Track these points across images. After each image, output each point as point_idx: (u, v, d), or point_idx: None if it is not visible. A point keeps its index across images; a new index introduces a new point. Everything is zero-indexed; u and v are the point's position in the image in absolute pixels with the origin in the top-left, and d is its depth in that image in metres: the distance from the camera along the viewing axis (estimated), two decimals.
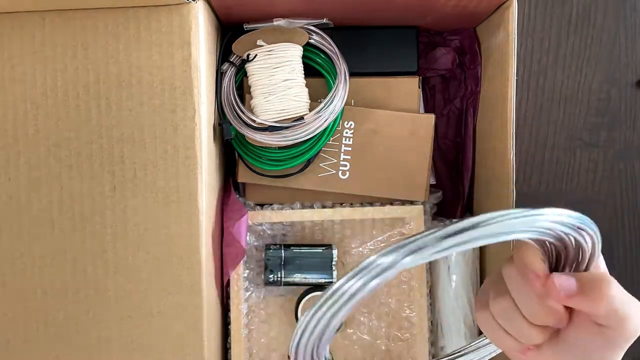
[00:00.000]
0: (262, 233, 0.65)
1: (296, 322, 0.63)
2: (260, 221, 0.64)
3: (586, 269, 0.37)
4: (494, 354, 0.44)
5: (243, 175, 0.65)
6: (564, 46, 0.72)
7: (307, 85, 0.61)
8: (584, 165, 0.73)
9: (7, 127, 0.50)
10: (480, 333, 0.45)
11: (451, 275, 0.64)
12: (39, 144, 0.50)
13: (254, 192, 0.66)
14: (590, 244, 0.35)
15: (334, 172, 0.64)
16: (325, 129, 0.61)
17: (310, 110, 0.61)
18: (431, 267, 0.66)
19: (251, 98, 0.61)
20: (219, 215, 0.59)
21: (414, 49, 0.66)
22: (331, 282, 0.63)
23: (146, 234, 0.51)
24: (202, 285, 0.51)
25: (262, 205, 0.65)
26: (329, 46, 0.62)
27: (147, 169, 0.50)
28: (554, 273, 0.36)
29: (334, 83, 0.62)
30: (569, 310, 0.37)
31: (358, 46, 0.65)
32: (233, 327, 0.62)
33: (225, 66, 0.61)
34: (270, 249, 0.63)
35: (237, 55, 0.61)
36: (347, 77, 0.62)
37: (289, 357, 0.35)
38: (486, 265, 0.66)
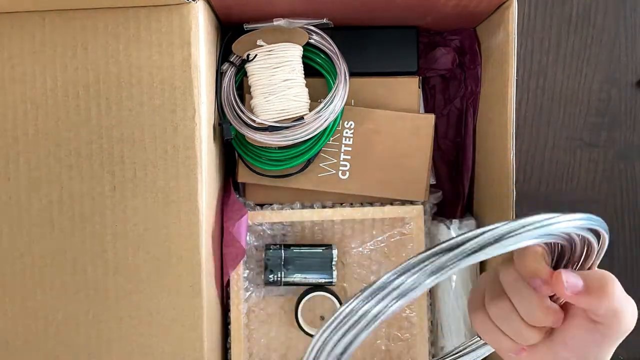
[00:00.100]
0: (262, 233, 0.65)
1: (296, 322, 0.63)
2: (260, 221, 0.64)
3: (590, 267, 0.37)
4: (487, 354, 0.44)
5: (243, 175, 0.65)
6: (564, 46, 0.72)
7: (307, 85, 0.61)
8: (584, 165, 0.73)
9: (7, 127, 0.50)
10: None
11: (451, 275, 0.64)
12: (39, 144, 0.50)
13: (254, 192, 0.66)
14: (598, 244, 0.35)
15: (334, 172, 0.64)
16: (325, 129, 0.61)
17: (310, 110, 0.61)
18: None
19: (251, 98, 0.61)
20: (219, 215, 0.59)
21: (414, 49, 0.66)
22: (331, 282, 0.63)
23: (146, 234, 0.51)
24: (202, 285, 0.51)
25: (262, 205, 0.65)
26: (329, 46, 0.62)
27: (147, 169, 0.50)
28: (561, 270, 0.36)
29: (334, 83, 0.62)
30: (563, 308, 0.38)
31: (358, 46, 0.65)
32: (233, 327, 0.62)
33: (225, 66, 0.61)
34: (270, 249, 0.63)
35: (237, 55, 0.61)
36: (347, 77, 0.62)
37: None
38: (485, 265, 0.66)
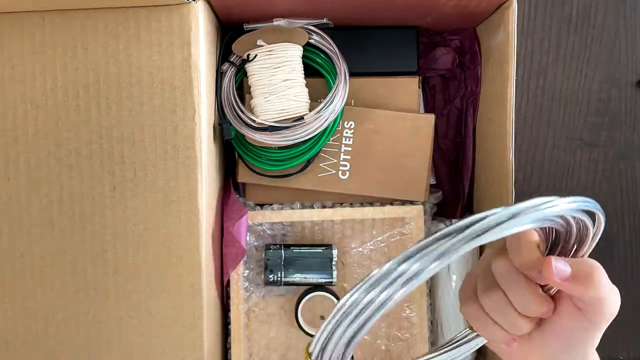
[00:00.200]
0: (262, 233, 0.65)
1: (296, 322, 0.63)
2: (260, 221, 0.64)
3: (583, 255, 0.37)
4: (479, 346, 0.44)
5: (243, 175, 0.65)
6: (564, 46, 0.72)
7: (307, 85, 0.61)
8: (584, 165, 0.73)
9: (7, 127, 0.51)
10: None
11: (451, 275, 0.64)
12: (39, 144, 0.50)
13: (254, 192, 0.66)
14: (594, 227, 0.36)
15: (334, 172, 0.64)
16: (325, 129, 0.61)
17: (310, 110, 0.61)
18: None
19: (251, 98, 0.61)
20: (219, 215, 0.59)
21: (414, 49, 0.66)
22: (331, 282, 0.63)
23: (146, 234, 0.51)
24: (202, 285, 0.51)
25: (262, 205, 0.65)
26: (329, 46, 0.62)
27: (147, 169, 0.50)
28: (551, 256, 0.36)
29: (334, 83, 0.62)
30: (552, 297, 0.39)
31: (358, 46, 0.65)
32: (233, 327, 0.62)
33: (225, 66, 0.61)
34: (270, 249, 0.63)
35: (237, 55, 0.61)
36: (347, 77, 0.62)
37: (308, 354, 0.34)
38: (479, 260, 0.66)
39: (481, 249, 0.66)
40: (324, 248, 0.63)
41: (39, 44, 0.50)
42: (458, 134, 0.70)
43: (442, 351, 0.44)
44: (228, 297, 0.62)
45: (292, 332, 0.65)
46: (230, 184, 0.65)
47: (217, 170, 0.60)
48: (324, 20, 0.61)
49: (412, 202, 0.65)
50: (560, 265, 0.36)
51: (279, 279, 0.62)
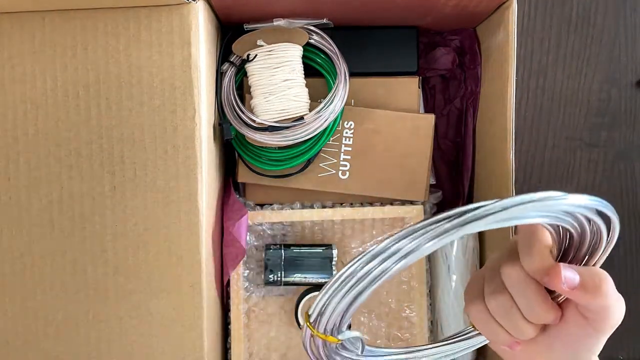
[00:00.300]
0: (262, 233, 0.65)
1: (296, 322, 0.63)
2: (260, 221, 0.64)
3: (596, 263, 0.37)
4: (481, 344, 0.44)
5: (243, 175, 0.65)
6: (564, 46, 0.72)
7: (307, 85, 0.61)
8: (584, 165, 0.73)
9: (7, 127, 0.51)
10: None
11: (451, 275, 0.64)
12: (39, 144, 0.50)
13: (254, 192, 0.66)
14: (608, 234, 0.36)
15: (334, 172, 0.64)
16: (325, 129, 0.61)
17: (310, 110, 0.61)
18: (431, 267, 0.66)
19: (251, 98, 0.61)
20: (219, 215, 0.59)
21: (414, 49, 0.66)
22: None
23: (146, 234, 0.51)
24: (202, 285, 0.51)
25: (262, 205, 0.65)
26: (329, 46, 0.62)
27: (147, 169, 0.50)
28: (561, 264, 0.36)
29: (334, 83, 0.62)
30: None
31: (358, 46, 0.65)
32: (233, 327, 0.62)
33: (225, 66, 0.61)
34: (270, 249, 0.63)
35: (237, 55, 0.61)
36: (347, 77, 0.62)
37: (308, 321, 0.36)
38: (486, 261, 0.66)
39: (482, 249, 0.66)
40: (324, 248, 0.63)
41: (39, 44, 0.50)
42: (458, 134, 0.70)
43: (445, 343, 0.44)
44: (228, 297, 0.62)
45: (292, 332, 0.65)
46: (230, 184, 0.65)
47: (217, 170, 0.60)
48: (324, 20, 0.61)
49: (412, 202, 0.65)
50: (569, 274, 0.36)
51: (279, 279, 0.62)
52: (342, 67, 0.62)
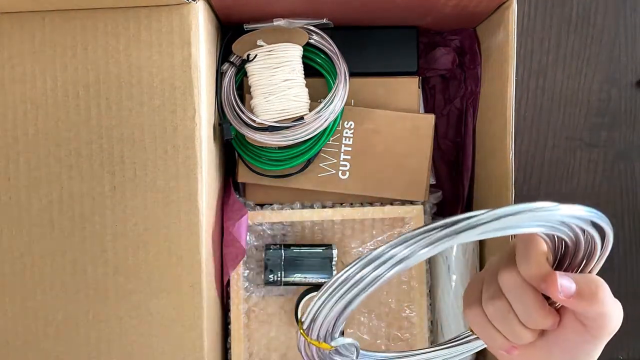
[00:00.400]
0: (262, 233, 0.65)
1: (296, 322, 0.63)
2: (260, 221, 0.64)
3: (591, 270, 0.37)
4: (479, 348, 0.44)
5: (243, 175, 0.65)
6: (564, 46, 0.72)
7: (307, 85, 0.61)
8: (584, 165, 0.73)
9: (7, 127, 0.51)
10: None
11: (451, 275, 0.64)
12: (39, 144, 0.50)
13: (254, 192, 0.66)
14: (602, 244, 0.36)
15: (334, 172, 0.64)
16: (325, 129, 0.61)
17: (310, 110, 0.61)
18: (431, 267, 0.66)
19: (251, 98, 0.61)
20: (219, 215, 0.59)
21: (414, 49, 0.66)
22: None
23: (146, 234, 0.51)
24: (202, 285, 0.51)
25: (262, 205, 0.65)
26: (329, 46, 0.62)
27: (147, 169, 0.50)
28: (557, 272, 0.36)
29: (334, 83, 0.62)
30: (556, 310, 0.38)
31: (358, 46, 0.65)
32: (233, 327, 0.62)
33: (225, 66, 0.61)
34: (270, 249, 0.63)
35: (237, 55, 0.61)
36: (347, 77, 0.62)
37: (302, 328, 0.36)
38: (485, 264, 0.66)
39: (482, 249, 0.66)
40: (324, 248, 0.63)
41: (39, 44, 0.50)
42: (458, 134, 0.70)
43: (442, 347, 0.44)
44: (228, 297, 0.62)
45: (292, 332, 0.65)
46: (230, 184, 0.65)
47: (217, 170, 0.60)
48: (324, 20, 0.61)
49: (412, 202, 0.65)
50: (565, 282, 0.36)
51: (279, 279, 0.62)
52: (342, 67, 0.62)
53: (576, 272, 0.38)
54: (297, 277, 0.63)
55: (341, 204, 0.66)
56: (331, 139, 0.63)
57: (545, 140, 0.73)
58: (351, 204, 0.66)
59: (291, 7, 0.58)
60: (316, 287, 0.64)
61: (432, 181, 0.69)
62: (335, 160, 0.64)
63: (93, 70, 0.50)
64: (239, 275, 0.62)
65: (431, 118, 0.64)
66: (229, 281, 0.61)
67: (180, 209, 0.51)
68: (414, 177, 0.64)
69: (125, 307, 0.51)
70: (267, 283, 0.63)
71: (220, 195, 0.61)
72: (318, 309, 0.35)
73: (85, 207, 0.51)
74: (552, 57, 0.72)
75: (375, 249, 0.32)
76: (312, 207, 0.65)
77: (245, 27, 0.61)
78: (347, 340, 0.39)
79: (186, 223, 0.51)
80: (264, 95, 0.60)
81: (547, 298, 0.38)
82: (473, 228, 0.31)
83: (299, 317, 0.63)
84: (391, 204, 0.65)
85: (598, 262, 0.37)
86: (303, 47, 0.61)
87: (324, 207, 0.65)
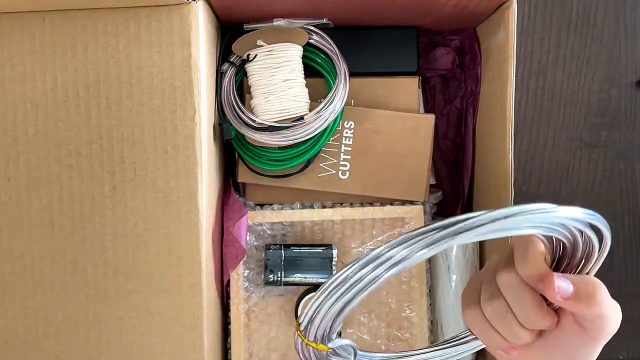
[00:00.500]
0: (262, 233, 0.65)
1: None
2: (260, 221, 0.64)
3: (589, 272, 0.37)
4: (478, 348, 0.45)
5: (243, 175, 0.65)
6: (564, 46, 0.72)
7: (307, 85, 0.61)
8: (584, 165, 0.73)
9: (7, 127, 0.51)
10: None
11: (451, 275, 0.64)
12: (39, 144, 0.50)
13: (254, 192, 0.66)
14: (600, 246, 0.36)
15: (334, 172, 0.64)
16: (325, 129, 0.61)
17: (310, 110, 0.61)
18: (431, 267, 0.66)
19: (251, 98, 0.61)
20: (219, 215, 0.59)
21: (414, 49, 0.66)
22: None
23: (146, 234, 0.51)
24: (202, 285, 0.51)
25: (262, 205, 0.65)
26: (329, 46, 0.62)
27: (147, 169, 0.50)
28: (554, 274, 0.36)
29: (334, 83, 0.62)
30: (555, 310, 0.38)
31: (358, 46, 0.65)
32: (233, 327, 0.62)
33: (225, 66, 0.61)
34: (270, 249, 0.63)
35: (237, 55, 0.61)
36: (347, 77, 0.62)
37: (299, 329, 0.36)
38: (485, 264, 0.66)
39: (481, 249, 0.66)
40: (324, 248, 0.63)
41: (39, 44, 0.50)
42: (458, 134, 0.70)
43: (440, 347, 0.44)
44: (228, 297, 0.62)
45: (292, 332, 0.65)
46: (230, 184, 0.65)
47: (217, 170, 0.60)
48: (324, 20, 0.61)
49: (412, 202, 0.65)
50: (562, 284, 0.36)
51: (279, 279, 0.62)
52: (342, 67, 0.62)
53: (574, 273, 0.38)
54: (297, 277, 0.63)
55: (341, 204, 0.66)
56: (331, 139, 0.63)
57: (545, 140, 0.73)
58: (351, 204, 0.66)
59: (291, 7, 0.58)
60: (316, 287, 0.64)
61: (432, 181, 0.69)
62: (335, 160, 0.64)
63: (93, 70, 0.50)
64: (239, 275, 0.62)
65: (431, 118, 0.64)
66: (229, 281, 0.61)
67: (180, 209, 0.51)
68: (414, 177, 0.64)
69: (125, 307, 0.51)
70: (267, 283, 0.63)
71: (220, 195, 0.61)
72: (315, 310, 0.35)
73: (85, 207, 0.51)
74: (552, 57, 0.72)
75: (373, 250, 0.32)
76: (312, 207, 0.65)
77: (245, 27, 0.61)
78: (345, 341, 0.39)
79: (186, 223, 0.51)
80: (264, 95, 0.60)
81: (547, 300, 0.38)
82: (471, 230, 0.31)
83: (298, 316, 0.63)
84: (391, 204, 0.65)
85: (596, 263, 0.37)
86: (303, 47, 0.61)
87: (324, 207, 0.65)
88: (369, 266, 0.32)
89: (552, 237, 0.36)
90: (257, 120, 0.60)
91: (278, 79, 0.60)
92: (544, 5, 0.72)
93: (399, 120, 0.64)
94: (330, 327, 0.36)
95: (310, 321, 0.36)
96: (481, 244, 0.66)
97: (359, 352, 0.41)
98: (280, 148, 0.62)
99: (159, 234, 0.51)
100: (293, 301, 0.65)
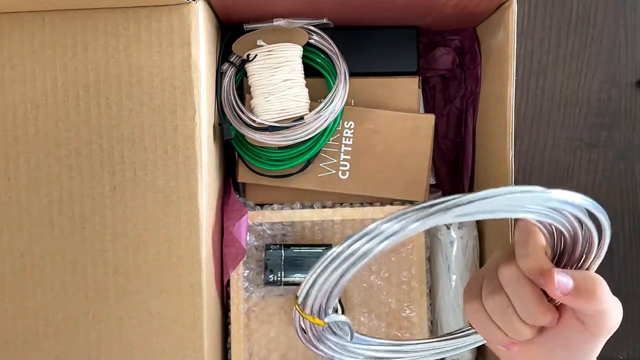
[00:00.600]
0: (262, 233, 0.65)
1: None
2: (260, 221, 0.64)
3: (589, 267, 0.37)
4: (479, 343, 0.45)
5: (243, 175, 0.65)
6: (564, 46, 0.72)
7: (307, 85, 0.61)
8: (584, 165, 0.73)
9: (7, 127, 0.51)
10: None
11: (451, 275, 0.64)
12: (39, 144, 0.50)
13: (254, 192, 0.66)
14: (599, 239, 0.36)
15: (334, 172, 0.64)
16: (325, 129, 0.61)
17: (310, 110, 0.61)
18: (431, 267, 0.66)
19: (251, 98, 0.61)
20: (219, 215, 0.59)
21: (414, 49, 0.66)
22: None
23: (146, 234, 0.51)
24: (202, 285, 0.51)
25: (262, 205, 0.65)
26: (329, 46, 0.62)
27: (147, 169, 0.50)
28: (554, 269, 0.36)
29: (334, 83, 0.62)
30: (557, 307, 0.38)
31: (358, 46, 0.65)
32: (233, 327, 0.62)
33: (225, 66, 0.61)
34: (270, 249, 0.63)
35: (237, 55, 0.61)
36: (347, 77, 0.62)
37: (297, 302, 0.37)
38: (487, 261, 0.66)
39: (482, 249, 0.66)
40: (324, 248, 0.63)
41: (39, 44, 0.50)
42: (458, 134, 0.70)
43: (437, 339, 0.44)
44: (228, 297, 0.62)
45: (292, 332, 0.65)
46: (230, 184, 0.65)
47: (217, 170, 0.60)
48: (324, 20, 0.61)
49: (412, 202, 0.65)
50: (562, 279, 0.36)
51: (279, 279, 0.62)
52: (342, 67, 0.62)
53: (575, 268, 0.38)
54: (297, 277, 0.63)
55: (341, 204, 0.66)
56: (331, 139, 0.63)
57: (545, 140, 0.73)
58: (351, 204, 0.66)
59: (291, 7, 0.58)
60: None
61: (432, 181, 0.69)
62: (335, 160, 0.64)
63: (93, 70, 0.50)
64: (239, 275, 0.62)
65: (431, 118, 0.64)
66: (229, 281, 0.61)
67: (180, 209, 0.51)
68: (414, 177, 0.64)
69: (125, 307, 0.51)
70: (267, 283, 0.63)
71: (220, 195, 0.61)
72: (312, 282, 0.35)
73: (85, 207, 0.51)
74: (552, 57, 0.72)
75: (367, 226, 0.33)
76: (312, 207, 0.65)
77: (245, 27, 0.61)
78: (340, 317, 0.39)
79: (186, 223, 0.51)
80: (264, 95, 0.60)
81: (548, 296, 0.38)
82: (461, 206, 0.30)
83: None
84: (391, 204, 0.65)
85: (596, 257, 0.37)
86: (303, 47, 0.61)
87: (324, 207, 0.65)
88: (361, 240, 0.33)
89: (552, 229, 0.36)
90: (257, 120, 0.60)
91: (278, 79, 0.60)
92: (544, 5, 0.72)
93: (399, 120, 0.64)
94: (327, 302, 0.37)
95: (308, 294, 0.36)
96: (481, 244, 0.66)
97: (355, 334, 0.41)
98: (280, 148, 0.62)
99: (159, 234, 0.51)
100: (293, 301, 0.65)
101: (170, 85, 0.50)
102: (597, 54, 0.72)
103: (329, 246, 0.63)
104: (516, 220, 0.39)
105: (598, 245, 0.36)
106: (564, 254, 0.37)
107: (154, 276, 0.51)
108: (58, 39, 0.50)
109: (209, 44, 0.55)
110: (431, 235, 0.66)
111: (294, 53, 0.60)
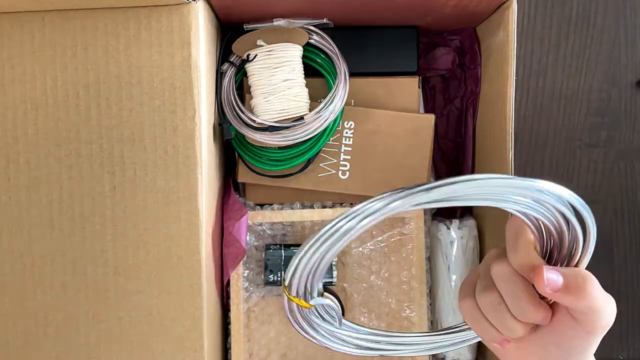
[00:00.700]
0: (262, 233, 0.65)
1: None
2: (260, 221, 0.64)
3: (577, 264, 0.37)
4: (474, 340, 0.45)
5: (243, 175, 0.65)
6: (564, 46, 0.72)
7: (307, 85, 0.61)
8: (584, 165, 0.73)
9: (7, 127, 0.51)
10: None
11: (451, 275, 0.64)
12: (39, 144, 0.50)
13: (254, 192, 0.66)
14: (585, 236, 0.36)
15: (334, 172, 0.64)
16: (325, 129, 0.61)
17: (310, 110, 0.61)
18: (431, 267, 0.66)
19: (251, 98, 0.61)
20: (219, 215, 0.60)
21: (414, 49, 0.66)
22: (331, 282, 0.63)
23: (146, 234, 0.51)
24: (202, 285, 0.51)
25: (262, 205, 0.65)
26: (329, 46, 0.62)
27: (147, 168, 0.50)
28: (544, 266, 0.36)
29: (334, 83, 0.62)
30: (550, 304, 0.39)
31: (358, 46, 0.65)
32: (233, 327, 0.62)
33: (225, 66, 0.61)
34: (270, 249, 0.63)
35: (237, 55, 0.61)
36: (347, 77, 0.62)
37: (284, 285, 0.38)
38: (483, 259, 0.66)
39: (482, 249, 0.66)
40: None
41: (39, 44, 0.50)
42: (458, 134, 0.70)
43: (430, 334, 0.45)
44: (228, 297, 0.62)
45: (292, 332, 0.65)
46: (230, 184, 0.65)
47: (217, 170, 0.60)
48: (324, 20, 0.61)
49: None
50: (551, 276, 0.36)
51: (279, 279, 0.63)
52: (342, 67, 0.62)
53: (566, 265, 0.38)
54: None
55: (341, 204, 0.66)
56: (331, 139, 0.63)
57: (545, 140, 0.73)
58: (351, 204, 0.66)
59: (291, 7, 0.58)
60: None
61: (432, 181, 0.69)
62: (335, 160, 0.64)
63: (93, 70, 0.50)
64: (239, 275, 0.62)
65: (431, 118, 0.64)
66: (229, 281, 0.61)
67: (180, 209, 0.51)
68: (414, 177, 0.64)
69: (125, 307, 0.51)
70: (267, 283, 0.63)
71: (220, 195, 0.61)
72: (297, 264, 0.36)
73: (85, 207, 0.51)
74: (552, 57, 0.72)
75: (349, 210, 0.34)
76: (312, 207, 0.65)
77: (245, 27, 0.61)
78: (325, 300, 0.39)
79: (186, 223, 0.51)
80: (264, 95, 0.60)
81: (542, 295, 0.38)
82: (445, 186, 0.31)
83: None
84: None
85: (584, 254, 0.37)
86: (303, 47, 0.61)
87: (324, 207, 0.65)
88: (344, 220, 0.33)
89: (539, 225, 0.37)
90: (257, 120, 0.60)
91: (278, 79, 0.60)
92: (544, 5, 0.72)
93: (399, 120, 0.64)
94: (312, 285, 0.37)
95: (292, 276, 0.37)
96: (481, 244, 0.66)
97: (345, 321, 0.42)
98: (280, 148, 0.62)
99: (159, 234, 0.51)
100: None
101: (170, 85, 0.50)
102: (597, 54, 0.72)
103: None
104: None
105: (584, 242, 0.36)
106: (554, 252, 0.38)
107: (154, 276, 0.51)
108: (58, 39, 0.50)
109: (209, 44, 0.55)
110: (431, 235, 0.66)
111: (294, 53, 0.60)
